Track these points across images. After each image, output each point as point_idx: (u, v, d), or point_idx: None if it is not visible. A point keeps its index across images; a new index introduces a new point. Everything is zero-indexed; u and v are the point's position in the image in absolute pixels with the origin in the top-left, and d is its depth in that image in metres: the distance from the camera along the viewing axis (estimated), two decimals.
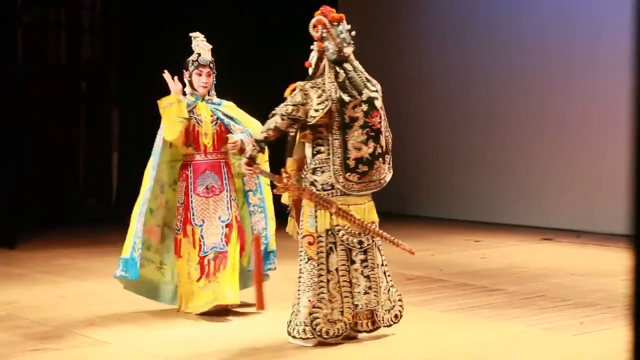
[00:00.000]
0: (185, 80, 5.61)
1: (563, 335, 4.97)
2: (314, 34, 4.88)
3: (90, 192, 10.65)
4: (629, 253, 1.49)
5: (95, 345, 4.74)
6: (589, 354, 4.63)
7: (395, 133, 12.42)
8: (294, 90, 4.78)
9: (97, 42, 10.65)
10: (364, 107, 4.76)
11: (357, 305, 4.74)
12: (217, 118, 5.57)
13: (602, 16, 9.25)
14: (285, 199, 4.90)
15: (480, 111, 10.22)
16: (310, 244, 4.73)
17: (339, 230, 4.72)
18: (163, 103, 5.41)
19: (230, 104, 5.69)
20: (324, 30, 4.84)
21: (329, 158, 4.71)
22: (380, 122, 4.83)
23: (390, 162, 4.95)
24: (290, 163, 4.87)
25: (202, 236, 5.43)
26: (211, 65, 5.63)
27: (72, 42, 10.54)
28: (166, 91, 5.51)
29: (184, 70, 5.63)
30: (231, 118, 5.62)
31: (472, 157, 10.34)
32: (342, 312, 4.73)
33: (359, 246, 4.76)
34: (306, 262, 4.74)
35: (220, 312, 5.45)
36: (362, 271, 4.75)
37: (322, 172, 4.72)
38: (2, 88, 8.31)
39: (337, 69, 4.80)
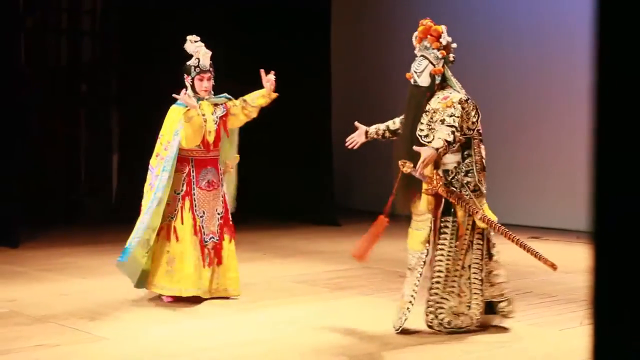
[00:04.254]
0: (187, 84, 5.94)
1: (550, 331, 5.10)
2: (442, 41, 5.04)
3: (91, 192, 10.75)
4: (589, 250, 1.54)
5: (95, 342, 4.83)
6: (575, 349, 4.73)
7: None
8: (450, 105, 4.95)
9: (97, 45, 10.75)
10: None
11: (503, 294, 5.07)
12: (219, 116, 5.95)
13: (581, 16, 9.39)
14: (424, 206, 5.01)
15: None
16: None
17: (495, 230, 4.99)
18: (185, 117, 5.72)
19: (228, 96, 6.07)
20: (448, 38, 5.07)
21: (474, 160, 4.96)
22: None
23: None
24: (429, 171, 4.99)
25: (202, 226, 5.78)
26: (211, 69, 5.97)
27: (72, 45, 10.65)
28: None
29: (185, 75, 5.96)
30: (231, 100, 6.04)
31: None
32: (469, 306, 4.96)
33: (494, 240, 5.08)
34: (454, 262, 4.94)
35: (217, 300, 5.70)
36: (499, 263, 5.08)
37: (473, 174, 4.97)
38: (5, 89, 8.40)
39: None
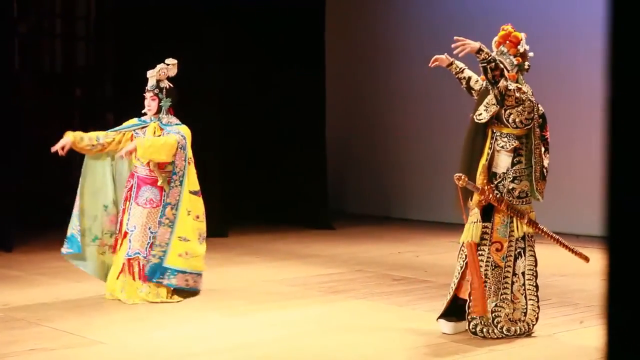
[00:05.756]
0: None
1: (544, 334, 5.13)
2: (519, 48, 5.07)
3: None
4: (604, 255, 1.55)
5: (90, 345, 4.84)
6: (569, 351, 4.80)
7: (382, 139, 12.66)
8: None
9: (91, 51, 10.78)
10: (540, 120, 5.06)
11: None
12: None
13: (582, 20, 9.44)
14: (475, 202, 5.05)
15: (463, 117, 10.39)
16: (497, 250, 4.99)
17: (531, 237, 5.04)
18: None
19: (185, 128, 6.09)
20: (526, 46, 5.10)
21: (528, 167, 5.00)
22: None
23: None
24: (483, 169, 5.03)
25: (130, 240, 5.95)
26: (156, 91, 6.08)
27: (67, 50, 10.67)
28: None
29: None
30: (178, 132, 6.04)
31: (455, 161, 10.50)
32: (525, 312, 5.01)
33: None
34: (493, 269, 4.98)
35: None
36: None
37: (520, 180, 5.00)
38: None
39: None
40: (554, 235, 5.13)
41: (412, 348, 4.82)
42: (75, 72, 10.73)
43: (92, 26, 10.76)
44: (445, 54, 5.24)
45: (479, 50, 4.82)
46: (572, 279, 6.87)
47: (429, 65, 5.29)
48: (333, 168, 11.09)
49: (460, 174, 4.96)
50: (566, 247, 5.18)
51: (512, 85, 4.93)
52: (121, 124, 6.16)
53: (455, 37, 4.92)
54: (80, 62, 10.78)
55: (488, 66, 4.82)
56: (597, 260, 7.98)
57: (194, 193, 6.03)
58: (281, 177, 10.80)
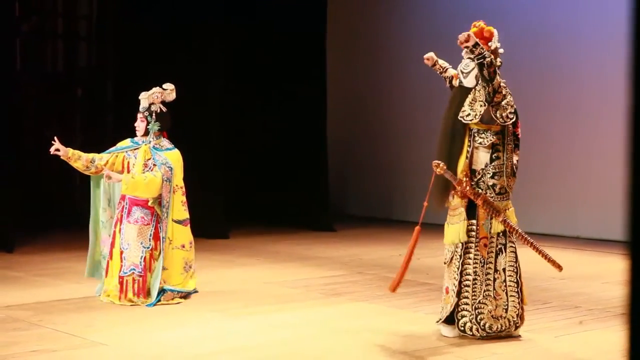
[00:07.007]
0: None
1: (545, 337, 5.14)
2: (490, 45, 5.06)
3: (86, 197, 10.76)
4: (626, 259, 1.54)
5: (91, 347, 4.85)
6: (571, 355, 4.79)
7: (383, 141, 12.62)
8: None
9: (93, 51, 10.79)
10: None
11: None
12: (154, 165, 6.06)
13: (582, 21, 9.43)
14: (458, 200, 5.07)
15: None
16: (486, 246, 5.01)
17: (512, 233, 5.03)
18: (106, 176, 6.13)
19: (173, 155, 6.13)
20: (497, 44, 5.10)
21: (504, 163, 5.02)
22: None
23: None
24: (464, 167, 5.05)
25: (124, 257, 6.00)
26: (145, 113, 6.15)
27: (69, 50, 10.68)
28: None
29: None
30: (164, 163, 6.07)
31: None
32: (506, 309, 5.01)
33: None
34: (482, 266, 5.00)
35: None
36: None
37: (500, 176, 5.03)
38: (0, 94, 8.44)
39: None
40: (527, 237, 5.04)
41: (413, 351, 4.82)
42: (77, 72, 10.74)
43: (94, 26, 10.77)
44: (432, 53, 5.30)
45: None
46: (572, 282, 6.87)
47: (424, 61, 5.33)
48: (334, 170, 11.10)
49: (439, 162, 4.96)
50: (538, 250, 5.06)
51: (503, 82, 4.96)
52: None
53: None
54: (81, 62, 10.79)
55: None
56: (598, 263, 7.97)
57: (178, 222, 6.08)
58: (283, 179, 10.80)
